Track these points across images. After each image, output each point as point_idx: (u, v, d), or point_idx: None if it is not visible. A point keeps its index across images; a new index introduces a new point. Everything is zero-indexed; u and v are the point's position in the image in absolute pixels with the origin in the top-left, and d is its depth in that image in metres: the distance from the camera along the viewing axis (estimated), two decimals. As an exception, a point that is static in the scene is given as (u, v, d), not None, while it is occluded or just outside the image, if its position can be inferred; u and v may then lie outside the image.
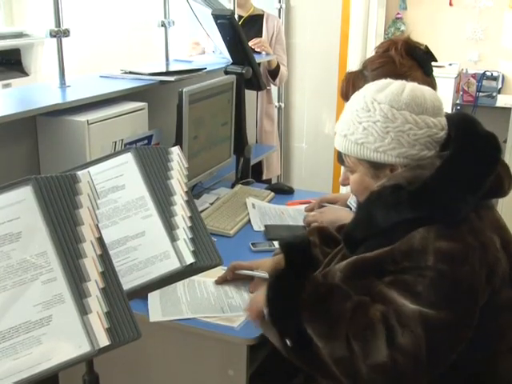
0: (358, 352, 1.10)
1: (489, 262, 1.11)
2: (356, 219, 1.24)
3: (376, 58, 1.66)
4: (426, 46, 1.68)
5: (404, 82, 1.25)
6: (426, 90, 1.23)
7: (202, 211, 2.10)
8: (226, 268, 1.64)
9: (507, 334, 1.18)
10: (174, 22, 2.72)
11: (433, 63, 1.68)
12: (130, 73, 2.32)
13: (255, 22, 3.49)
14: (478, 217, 1.15)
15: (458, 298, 1.09)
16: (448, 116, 1.26)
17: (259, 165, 3.47)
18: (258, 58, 2.74)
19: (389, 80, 1.26)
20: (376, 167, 1.22)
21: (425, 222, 1.12)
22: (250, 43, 3.12)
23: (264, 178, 3.55)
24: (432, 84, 1.67)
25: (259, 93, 3.37)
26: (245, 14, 3.46)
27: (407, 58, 1.62)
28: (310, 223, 1.94)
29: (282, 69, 3.52)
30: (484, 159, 1.17)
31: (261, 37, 3.40)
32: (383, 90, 1.22)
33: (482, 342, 1.16)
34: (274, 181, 3.76)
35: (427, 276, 1.09)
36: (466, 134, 1.20)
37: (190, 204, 1.20)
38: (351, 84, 1.66)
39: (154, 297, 1.55)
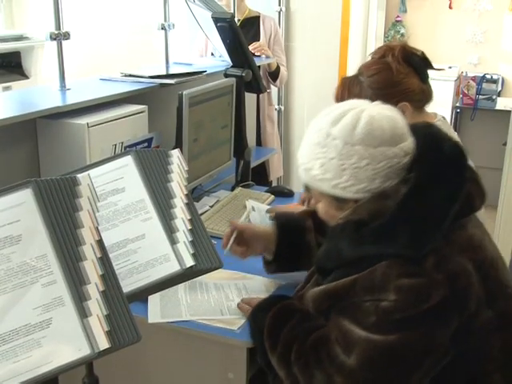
0: (300, 378, 1.18)
1: (459, 291, 1.09)
2: (325, 250, 1.24)
3: (372, 64, 1.66)
4: (423, 53, 1.68)
5: (361, 109, 1.16)
6: (384, 118, 1.15)
7: (202, 214, 2.10)
8: (226, 270, 1.65)
9: (493, 354, 1.16)
10: (174, 25, 2.73)
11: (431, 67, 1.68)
12: (130, 76, 2.32)
13: (252, 25, 3.50)
14: (448, 242, 1.12)
15: (413, 326, 1.08)
16: (413, 131, 1.20)
17: (263, 167, 3.48)
18: (257, 61, 2.74)
19: (345, 108, 1.18)
20: (338, 201, 1.19)
21: (389, 257, 1.10)
22: (250, 47, 3.13)
23: (270, 179, 3.57)
24: (428, 91, 1.68)
25: (261, 95, 3.38)
26: (241, 17, 3.46)
27: (404, 65, 1.62)
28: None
29: (282, 69, 3.53)
30: (449, 186, 1.13)
31: (258, 39, 3.41)
32: (338, 123, 1.15)
33: (468, 365, 1.15)
34: (274, 183, 3.77)
35: (384, 306, 1.08)
36: (430, 155, 1.15)
37: (189, 207, 1.21)
38: (347, 89, 1.66)
39: (153, 298, 1.55)
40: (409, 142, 1.16)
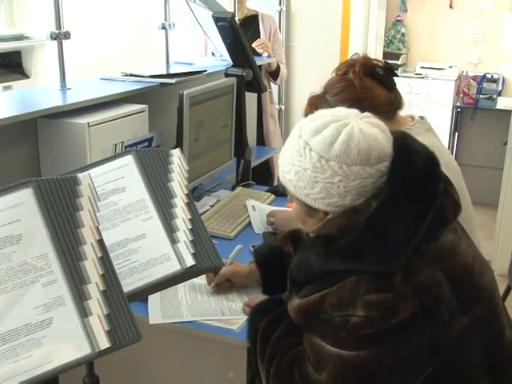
0: None
1: (428, 303, 1.09)
2: (297, 262, 1.23)
3: (336, 82, 1.67)
4: (385, 62, 1.69)
5: (345, 123, 1.14)
6: (365, 136, 1.12)
7: (203, 213, 2.10)
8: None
9: (475, 360, 1.16)
10: (174, 25, 2.73)
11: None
12: (131, 75, 2.32)
13: (251, 23, 3.51)
14: (418, 255, 1.11)
15: (383, 340, 1.08)
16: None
17: (267, 167, 3.47)
18: (258, 60, 2.74)
19: (328, 119, 1.16)
20: (309, 209, 1.19)
21: (358, 272, 1.10)
22: (254, 44, 3.13)
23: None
24: (396, 99, 1.68)
25: (262, 94, 3.38)
26: (240, 16, 3.47)
27: (367, 79, 1.64)
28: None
29: (282, 68, 3.54)
30: (419, 201, 1.11)
31: (258, 38, 3.41)
32: (318, 134, 1.14)
33: (452, 373, 1.14)
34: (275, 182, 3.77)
35: (354, 322, 1.08)
36: (401, 169, 1.13)
37: (190, 206, 1.21)
38: (315, 108, 1.68)
39: (154, 299, 1.55)
40: (389, 163, 1.14)
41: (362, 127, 1.14)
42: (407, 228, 1.09)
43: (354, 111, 1.20)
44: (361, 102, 1.64)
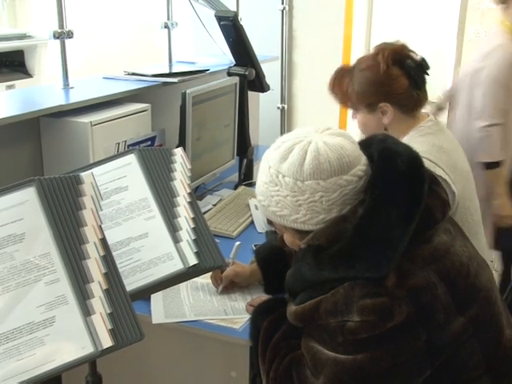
0: None
1: (423, 305, 1.09)
2: (291, 273, 1.24)
3: (366, 59, 1.65)
4: (422, 58, 1.63)
5: (308, 141, 1.15)
6: (331, 148, 1.13)
7: (205, 212, 2.10)
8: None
9: (474, 360, 1.15)
10: (177, 24, 2.73)
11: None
12: (133, 74, 2.32)
13: None
14: (410, 257, 1.11)
15: (379, 344, 1.08)
16: (369, 147, 1.19)
17: None
18: (261, 60, 2.74)
19: (291, 142, 1.16)
20: (301, 233, 1.19)
21: (350, 279, 1.10)
22: None
23: None
24: (418, 97, 1.64)
25: None
26: None
27: (394, 68, 1.60)
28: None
29: None
30: (404, 204, 1.11)
31: None
32: (285, 160, 1.14)
33: (451, 374, 1.14)
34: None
35: (349, 326, 1.09)
36: (384, 173, 1.14)
37: (193, 205, 1.21)
38: (338, 79, 1.68)
39: (156, 299, 1.55)
40: (361, 165, 1.15)
41: (326, 140, 1.15)
42: (394, 232, 1.09)
43: (313, 128, 1.21)
44: (377, 85, 1.61)
